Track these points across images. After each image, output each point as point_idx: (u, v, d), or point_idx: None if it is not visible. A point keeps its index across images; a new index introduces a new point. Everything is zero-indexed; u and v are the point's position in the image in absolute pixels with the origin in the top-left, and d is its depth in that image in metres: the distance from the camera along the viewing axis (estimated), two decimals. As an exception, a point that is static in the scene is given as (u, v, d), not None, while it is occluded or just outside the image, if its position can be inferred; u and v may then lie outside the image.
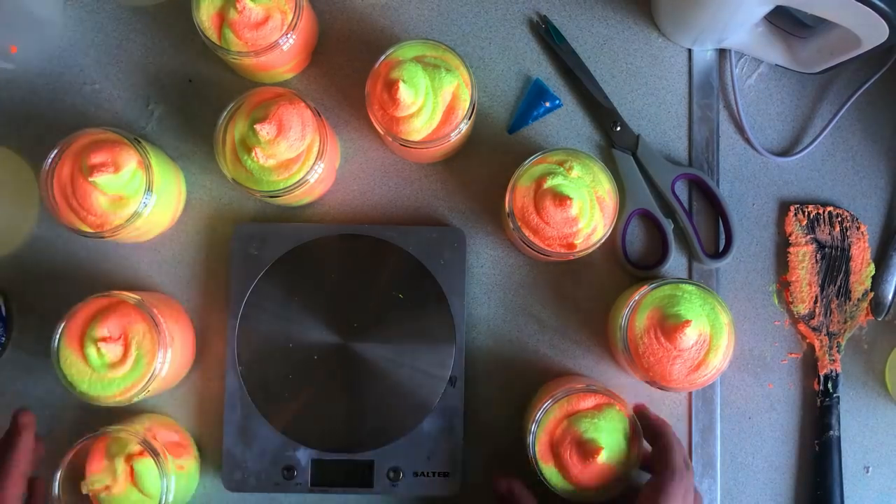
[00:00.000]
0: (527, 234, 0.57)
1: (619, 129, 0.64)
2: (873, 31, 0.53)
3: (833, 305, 0.64)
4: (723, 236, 0.64)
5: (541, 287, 0.64)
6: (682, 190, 0.65)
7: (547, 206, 0.56)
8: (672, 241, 0.63)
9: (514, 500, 0.56)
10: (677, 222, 0.64)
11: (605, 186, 0.58)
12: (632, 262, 0.63)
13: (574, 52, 0.65)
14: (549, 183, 0.56)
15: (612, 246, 0.64)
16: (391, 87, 0.54)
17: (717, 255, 0.63)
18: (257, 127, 0.54)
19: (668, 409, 0.63)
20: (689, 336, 0.54)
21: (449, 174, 0.65)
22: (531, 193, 0.57)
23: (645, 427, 0.56)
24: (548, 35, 0.65)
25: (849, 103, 0.65)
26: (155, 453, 0.55)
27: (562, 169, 0.57)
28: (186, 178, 0.65)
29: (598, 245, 0.57)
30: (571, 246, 0.57)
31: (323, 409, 0.61)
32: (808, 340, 0.64)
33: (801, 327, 0.64)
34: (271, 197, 0.58)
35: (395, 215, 0.64)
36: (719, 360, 0.56)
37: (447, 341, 0.61)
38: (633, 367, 0.56)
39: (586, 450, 0.54)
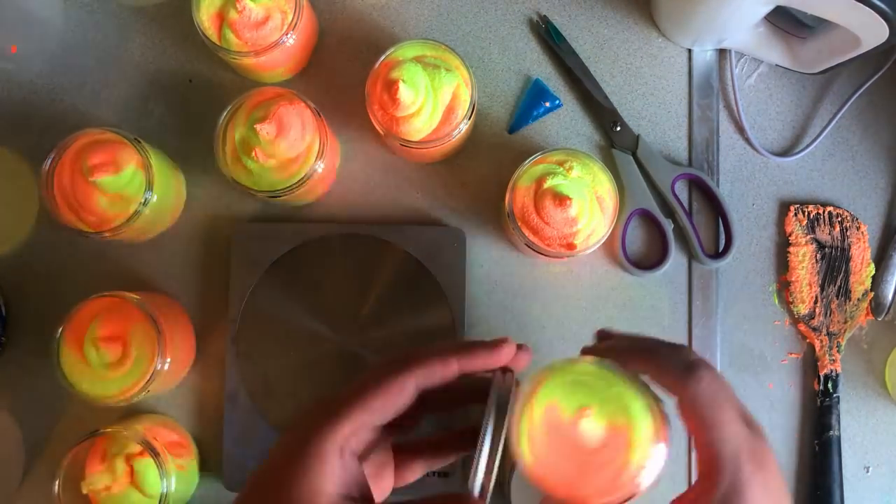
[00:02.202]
0: (527, 234, 0.57)
1: (619, 129, 0.64)
2: (873, 31, 0.53)
3: (833, 305, 0.64)
4: (723, 236, 0.64)
5: (541, 287, 0.64)
6: (682, 190, 0.65)
7: (547, 206, 0.56)
8: (672, 241, 0.63)
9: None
10: (677, 222, 0.64)
11: (605, 186, 0.58)
12: (632, 261, 0.63)
13: (574, 53, 0.65)
14: (549, 183, 0.56)
15: (612, 246, 0.64)
16: (391, 87, 0.54)
17: (717, 255, 0.63)
18: (257, 127, 0.54)
19: (667, 408, 0.63)
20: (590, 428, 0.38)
21: (449, 174, 0.65)
22: (531, 193, 0.57)
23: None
24: (548, 35, 0.65)
25: (849, 103, 0.65)
26: (155, 453, 0.55)
27: (562, 169, 0.57)
28: (186, 178, 0.65)
29: (598, 245, 0.57)
30: (571, 246, 0.57)
31: (323, 409, 0.61)
32: (808, 340, 0.64)
33: (801, 327, 0.64)
34: (271, 197, 0.57)
35: (395, 215, 0.64)
36: (642, 460, 0.37)
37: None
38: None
39: None
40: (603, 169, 0.58)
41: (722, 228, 0.64)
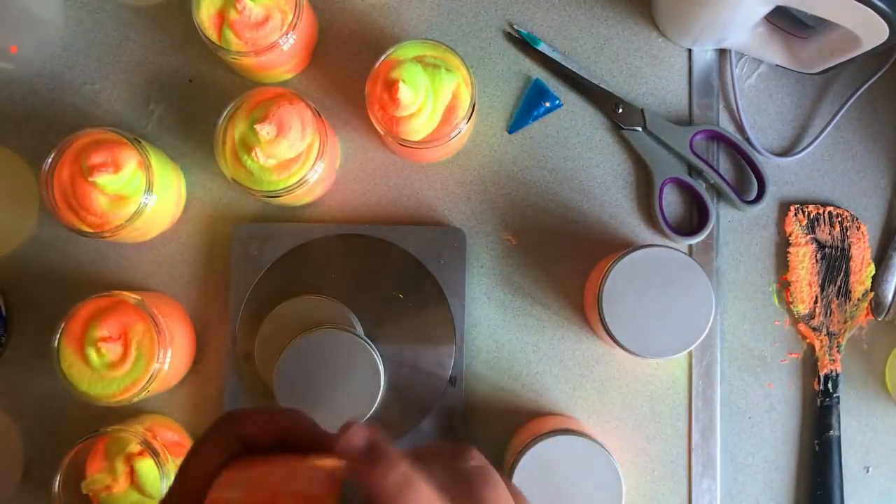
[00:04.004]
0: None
1: (621, 110, 0.64)
2: (873, 31, 0.53)
3: (833, 305, 0.64)
4: (755, 180, 0.64)
5: (541, 286, 0.64)
6: (701, 148, 0.65)
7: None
8: (709, 200, 0.63)
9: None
10: (707, 180, 0.64)
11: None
12: (676, 230, 0.63)
13: (555, 50, 0.65)
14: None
15: (652, 217, 0.64)
16: (391, 86, 0.54)
17: (756, 199, 0.64)
18: (257, 127, 0.54)
19: (667, 408, 0.63)
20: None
21: (449, 174, 0.65)
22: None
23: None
24: (526, 43, 0.65)
25: (849, 103, 0.65)
26: (155, 453, 0.55)
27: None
28: (186, 178, 0.65)
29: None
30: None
31: (323, 409, 0.61)
32: (808, 340, 0.64)
33: (801, 327, 0.64)
34: (271, 197, 0.57)
35: (395, 215, 0.64)
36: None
37: (447, 341, 0.61)
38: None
39: None
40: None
41: (751, 172, 0.64)
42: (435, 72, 0.56)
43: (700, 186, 0.64)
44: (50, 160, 0.56)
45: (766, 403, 0.64)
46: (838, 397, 0.63)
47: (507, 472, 0.56)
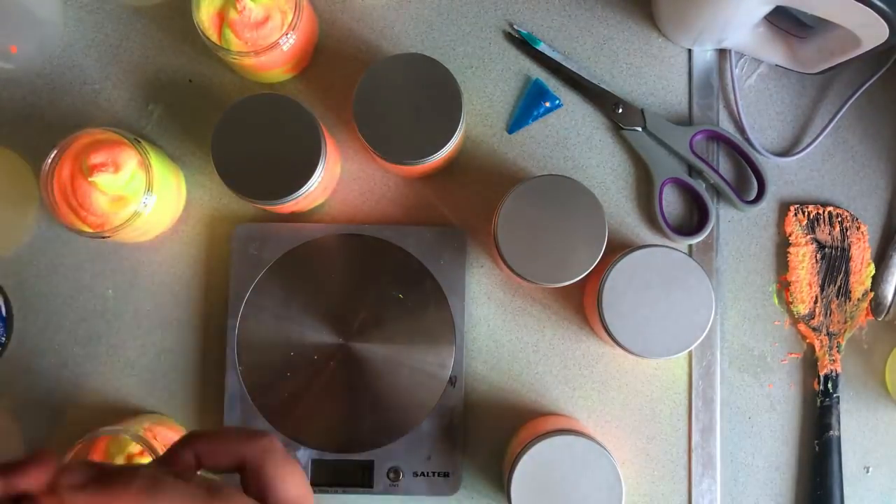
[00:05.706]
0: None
1: (621, 110, 0.64)
2: (873, 31, 0.53)
3: (833, 305, 0.64)
4: (755, 180, 0.64)
5: (541, 286, 0.64)
6: (701, 148, 0.65)
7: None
8: (709, 200, 0.63)
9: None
10: (707, 180, 0.64)
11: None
12: (676, 230, 0.64)
13: (555, 50, 0.65)
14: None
15: (654, 218, 0.64)
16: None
17: (756, 199, 0.64)
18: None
19: (667, 408, 0.63)
20: None
21: (449, 174, 0.65)
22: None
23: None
24: (527, 43, 0.65)
25: (849, 103, 0.65)
26: (155, 453, 0.55)
27: None
28: (186, 178, 0.65)
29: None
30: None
31: (323, 409, 0.61)
32: (808, 340, 0.64)
33: (801, 327, 0.64)
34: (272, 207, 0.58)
35: (395, 215, 0.64)
36: None
37: (447, 341, 0.61)
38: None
39: None
40: None
41: (751, 172, 0.64)
42: None
43: (700, 186, 0.64)
44: (50, 160, 0.56)
45: (766, 403, 0.64)
46: (838, 397, 0.63)
47: (506, 473, 0.56)
